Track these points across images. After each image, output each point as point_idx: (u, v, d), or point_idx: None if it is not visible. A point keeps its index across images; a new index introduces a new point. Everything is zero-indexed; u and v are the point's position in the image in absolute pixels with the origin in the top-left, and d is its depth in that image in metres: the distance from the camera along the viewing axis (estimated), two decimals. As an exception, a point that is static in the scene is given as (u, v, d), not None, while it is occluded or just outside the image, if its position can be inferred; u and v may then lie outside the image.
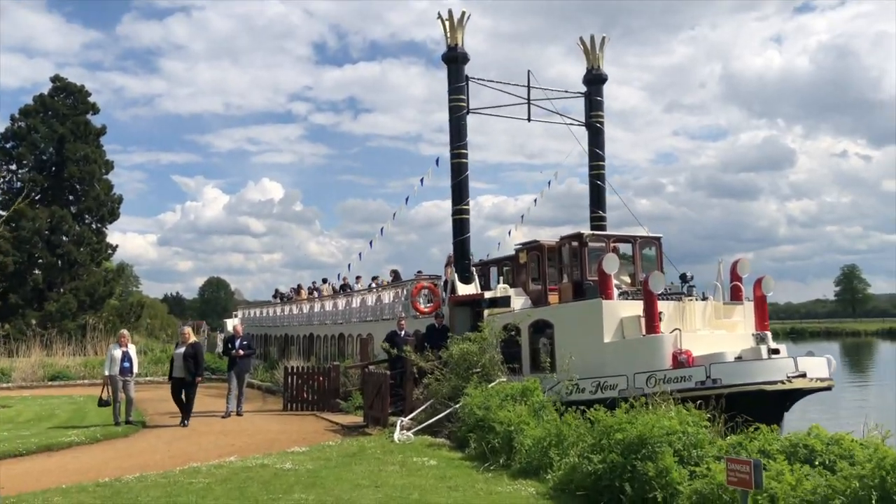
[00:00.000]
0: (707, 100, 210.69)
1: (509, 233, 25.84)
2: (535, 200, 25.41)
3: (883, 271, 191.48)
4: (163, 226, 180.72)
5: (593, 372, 13.97)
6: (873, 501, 5.97)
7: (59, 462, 11.52)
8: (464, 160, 19.47)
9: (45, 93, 44.86)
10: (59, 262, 42.52)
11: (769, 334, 14.56)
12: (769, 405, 12.46)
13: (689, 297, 15.54)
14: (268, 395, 22.54)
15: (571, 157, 25.95)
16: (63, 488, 9.07)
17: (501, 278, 19.48)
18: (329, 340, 26.91)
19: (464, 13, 19.61)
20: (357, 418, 16.11)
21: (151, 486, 9.06)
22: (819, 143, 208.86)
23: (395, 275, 24.73)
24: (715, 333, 15.03)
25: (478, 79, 20.07)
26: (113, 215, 45.82)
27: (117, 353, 15.19)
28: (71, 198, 44.59)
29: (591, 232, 17.62)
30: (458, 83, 19.44)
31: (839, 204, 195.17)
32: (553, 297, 17.34)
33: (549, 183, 25.15)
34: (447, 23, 19.44)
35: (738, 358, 13.59)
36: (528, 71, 20.79)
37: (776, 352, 13.81)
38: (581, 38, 21.79)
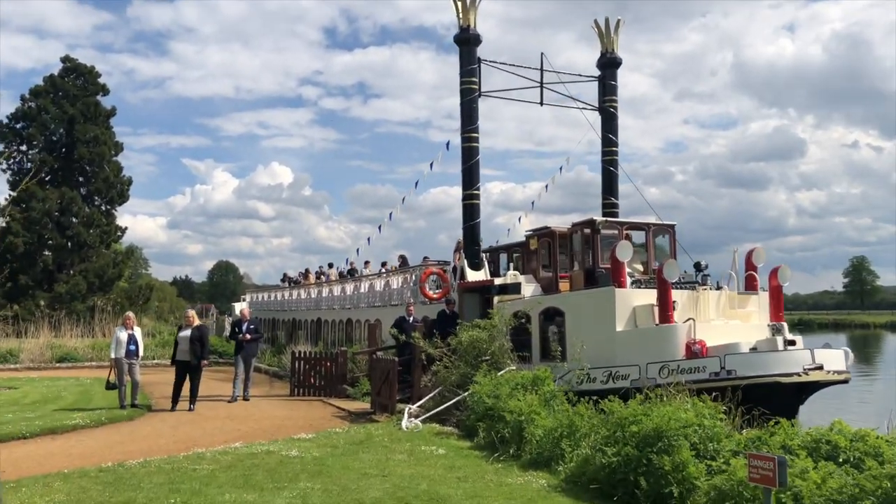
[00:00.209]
0: (718, 88, 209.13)
1: (519, 219, 25.57)
2: (546, 186, 25.16)
3: (892, 263, 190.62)
4: (172, 209, 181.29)
5: (605, 361, 13.72)
6: (905, 502, 5.71)
7: (63, 446, 11.39)
8: (475, 144, 19.17)
9: (56, 73, 44.70)
10: (69, 244, 42.49)
11: (785, 325, 14.27)
12: (785, 398, 12.19)
13: (704, 287, 15.23)
14: (275, 380, 22.42)
15: (581, 144, 25.71)
16: (65, 473, 8.91)
17: (511, 265, 19.22)
18: (337, 325, 26.76)
19: (477, -6, 19.23)
20: (364, 405, 15.94)
21: (155, 472, 8.89)
22: (830, 133, 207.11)
23: (403, 260, 24.52)
24: (729, 324, 14.72)
25: (490, 61, 19.74)
26: (122, 197, 45.71)
27: (123, 335, 15.04)
28: (81, 179, 44.50)
29: (604, 219, 17.29)
30: (469, 65, 19.12)
31: (849, 195, 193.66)
32: (564, 285, 17.07)
33: (560, 169, 24.99)
34: (460, 4, 19.08)
35: (754, 349, 13.29)
36: (542, 53, 20.48)
37: (792, 343, 13.50)
38: (595, 21, 21.43)
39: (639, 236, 17.30)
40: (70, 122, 42.91)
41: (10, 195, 38.68)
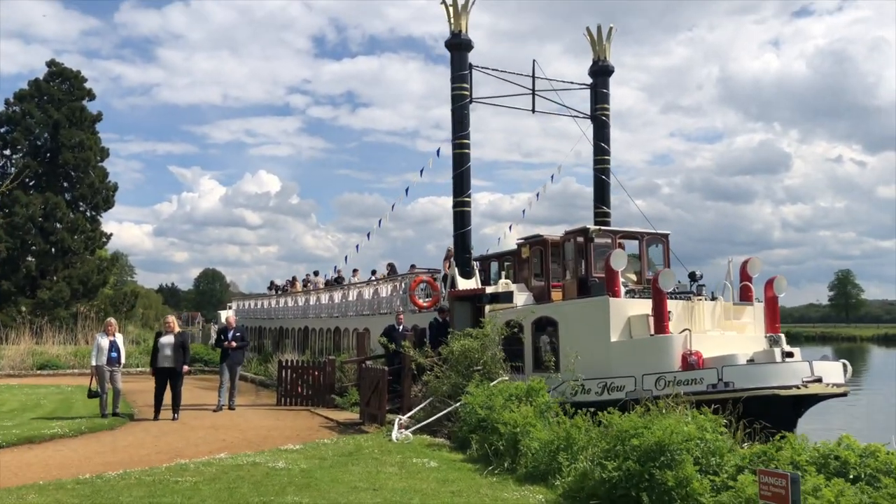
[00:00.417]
0: (704, 102, 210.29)
1: (510, 228, 25.40)
2: (538, 195, 25.03)
3: (875, 277, 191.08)
4: (159, 216, 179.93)
5: (599, 372, 13.47)
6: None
7: (41, 456, 10.96)
8: (466, 151, 18.94)
9: (41, 78, 44.16)
10: (53, 250, 41.91)
11: (783, 337, 14.04)
12: (783, 411, 11.97)
13: (699, 297, 15.02)
14: (261, 389, 22.00)
15: (568, 155, 25.71)
16: (40, 485, 8.52)
17: (503, 273, 18.95)
18: (325, 334, 26.38)
19: (468, -1, 19.03)
20: (353, 415, 15.58)
21: (134, 485, 8.51)
22: (814, 147, 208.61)
23: (392, 268, 24.21)
24: (725, 335, 14.51)
25: (481, 67, 19.51)
26: (108, 203, 45.17)
27: (104, 342, 14.61)
28: (65, 184, 43.97)
29: (598, 227, 17.06)
30: (461, 71, 18.90)
31: (833, 209, 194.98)
32: (556, 294, 16.82)
33: (552, 177, 24.83)
34: (451, 8, 18.87)
35: (751, 361, 13.08)
36: (534, 61, 20.32)
37: (790, 355, 13.28)
38: (588, 29, 21.32)
39: (632, 246, 17.09)
40: (55, 127, 42.39)
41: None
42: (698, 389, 12.13)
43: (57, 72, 44.62)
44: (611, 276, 14.35)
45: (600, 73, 21.24)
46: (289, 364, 18.60)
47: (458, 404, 12.48)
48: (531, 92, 20.33)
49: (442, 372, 14.10)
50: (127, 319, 42.51)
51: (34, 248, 41.36)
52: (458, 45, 19.01)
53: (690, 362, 13.10)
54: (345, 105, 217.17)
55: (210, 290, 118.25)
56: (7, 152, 43.27)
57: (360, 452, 10.93)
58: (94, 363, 14.62)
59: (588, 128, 21.27)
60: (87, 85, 45.32)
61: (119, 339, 15.02)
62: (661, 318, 13.59)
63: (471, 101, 19.21)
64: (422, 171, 22.61)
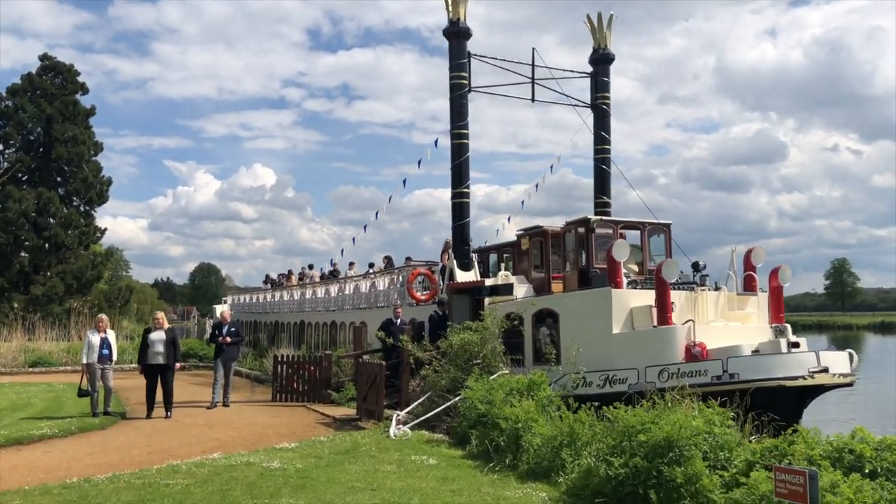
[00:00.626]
0: (700, 92, 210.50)
1: (508, 219, 25.03)
2: (537, 186, 24.67)
3: (871, 266, 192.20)
4: (154, 210, 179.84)
5: (601, 365, 13.19)
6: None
7: (28, 457, 10.63)
8: (465, 141, 18.61)
9: (34, 72, 43.66)
10: (46, 245, 41.46)
11: (789, 327, 13.77)
12: (789, 402, 11.70)
13: (702, 287, 14.75)
14: (256, 385, 21.69)
15: (566, 146, 25.39)
16: (25, 490, 8.21)
17: (503, 265, 18.65)
18: (321, 328, 26.07)
19: (467, -14, 18.67)
20: (350, 411, 15.29)
21: (123, 489, 8.21)
22: (811, 136, 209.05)
23: (389, 261, 23.86)
24: (729, 325, 14.25)
25: (480, 56, 19.15)
26: (101, 198, 44.71)
27: (95, 339, 14.26)
28: (59, 179, 43.49)
29: (599, 217, 16.76)
30: (459, 59, 18.56)
31: (829, 198, 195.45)
32: (556, 286, 16.54)
33: (551, 167, 24.47)
34: (449, -4, 18.49)
35: (756, 351, 12.81)
36: (533, 49, 19.96)
37: (796, 345, 13.02)
38: (588, 16, 20.96)
39: (633, 236, 16.80)
40: (48, 121, 41.91)
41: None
42: (703, 381, 11.86)
43: (50, 66, 44.11)
44: (613, 267, 14.05)
45: (601, 61, 20.89)
46: (284, 359, 18.28)
47: (457, 399, 12.21)
48: (531, 80, 19.99)
49: (441, 366, 13.80)
50: (121, 315, 42.14)
51: (27, 243, 40.92)
52: (457, 34, 18.65)
53: (694, 354, 12.83)
54: (340, 98, 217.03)
55: (205, 285, 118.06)
56: (0, 147, 42.80)
57: (357, 450, 10.65)
58: (84, 361, 14.27)
59: (588, 117, 20.95)
60: (81, 79, 44.77)
61: (111, 335, 14.67)
62: (664, 308, 13.31)
63: (469, 91, 18.87)
64: (419, 163, 22.31)
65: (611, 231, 16.11)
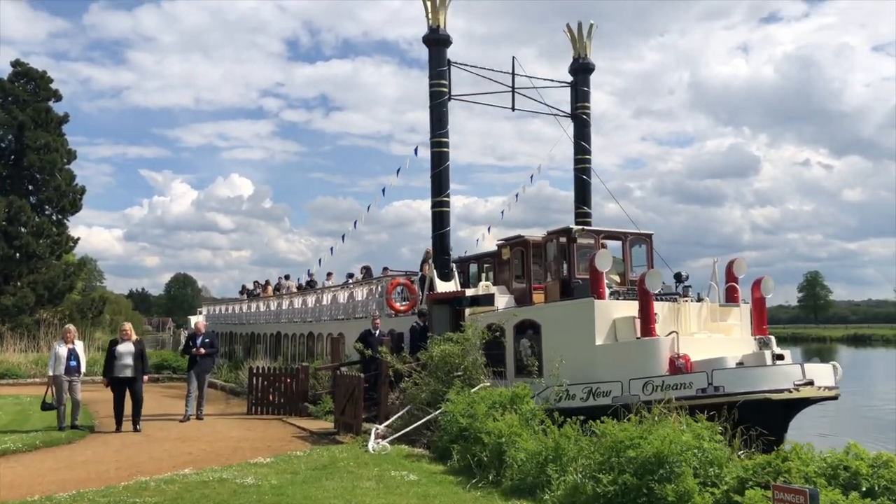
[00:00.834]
0: (675, 106, 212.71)
1: (489, 230, 24.91)
2: (517, 195, 24.55)
3: (842, 279, 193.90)
4: (129, 220, 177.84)
5: (584, 377, 12.95)
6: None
7: (-11, 473, 10.16)
8: (445, 149, 18.39)
9: (5, 78, 42.88)
10: (17, 255, 40.53)
11: (773, 339, 13.63)
12: (774, 415, 11.52)
13: (685, 298, 14.58)
14: (231, 397, 21.19)
15: (544, 158, 25.32)
16: (-18, 509, 7.80)
17: (483, 275, 18.40)
18: (298, 339, 25.63)
19: (447, -8, 18.49)
20: (327, 424, 14.91)
21: (88, 507, 7.81)
22: (783, 151, 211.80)
23: (367, 271, 23.53)
24: (712, 337, 14.07)
25: (460, 63, 18.96)
26: (74, 206, 43.81)
27: (62, 350, 13.77)
28: (30, 188, 42.54)
29: (580, 227, 16.55)
30: (439, 67, 18.36)
31: (801, 212, 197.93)
32: (538, 296, 16.30)
33: (531, 177, 24.35)
34: (429, 3, 18.31)
35: (740, 364, 12.63)
36: (514, 58, 19.82)
37: (780, 357, 12.86)
38: (568, 26, 20.84)
39: (615, 246, 16.63)
40: (20, 129, 41.03)
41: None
42: (688, 394, 11.64)
43: (22, 72, 43.27)
44: (595, 277, 13.84)
45: (581, 70, 20.81)
46: (260, 371, 17.86)
47: (438, 412, 11.90)
48: (510, 89, 19.83)
49: (421, 378, 13.48)
50: (94, 326, 41.27)
51: (-3, 252, 40.00)
52: (437, 41, 18.46)
53: (678, 366, 12.62)
54: (318, 108, 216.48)
55: (181, 296, 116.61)
56: (-30, 154, 41.86)
57: (334, 465, 10.29)
58: (51, 373, 13.79)
59: (568, 126, 20.82)
60: (54, 86, 44.00)
61: (79, 346, 14.19)
62: (647, 320, 13.10)
63: (449, 99, 18.66)
64: (398, 171, 22.09)
65: (593, 241, 15.93)
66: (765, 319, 14.78)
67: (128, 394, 14.13)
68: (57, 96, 44.15)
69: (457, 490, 8.82)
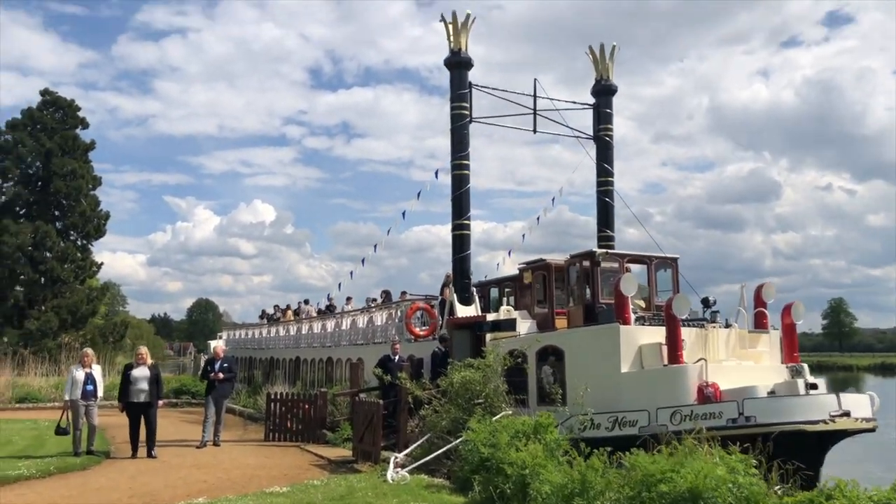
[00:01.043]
0: (694, 131, 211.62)
1: (509, 253, 24.52)
2: (538, 219, 24.14)
3: (866, 306, 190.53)
4: (153, 246, 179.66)
5: (609, 405, 12.52)
6: None
7: (1, 501, 9.96)
8: (465, 172, 18.18)
9: (34, 106, 43.53)
10: (42, 279, 40.93)
11: (806, 367, 13.15)
12: (809, 448, 11.01)
13: (713, 324, 14.15)
14: (249, 423, 20.95)
15: (565, 181, 25.06)
16: (-11, 539, 7.57)
17: (504, 300, 18.08)
18: (316, 364, 25.38)
19: (468, 16, 18.40)
20: (345, 452, 14.60)
21: (96, 538, 7.56)
22: (804, 176, 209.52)
23: (387, 295, 23.28)
24: (742, 364, 13.60)
25: (481, 86, 18.81)
26: (99, 232, 44.28)
27: (79, 374, 13.62)
28: (56, 213, 43.10)
29: (604, 250, 16.20)
30: (461, 90, 18.22)
31: (823, 237, 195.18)
32: (560, 322, 15.94)
33: (552, 200, 24.01)
34: (451, 26, 18.22)
35: (772, 392, 12.16)
36: (535, 80, 19.63)
37: (814, 386, 12.38)
38: (590, 47, 20.66)
39: (639, 271, 16.25)
40: (47, 156, 41.65)
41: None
42: (718, 424, 11.19)
43: (51, 100, 44.00)
44: (621, 302, 13.47)
45: (603, 92, 20.59)
46: (278, 397, 17.62)
47: (458, 441, 11.54)
48: (532, 112, 19.64)
49: (441, 405, 13.15)
50: (115, 350, 41.35)
51: (23, 277, 40.38)
52: (458, 64, 18.35)
53: (707, 394, 12.16)
54: (340, 135, 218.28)
55: (203, 320, 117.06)
56: (-1, 181, 42.46)
57: (352, 495, 9.97)
58: (67, 397, 13.65)
59: (591, 149, 20.57)
60: (81, 114, 44.64)
61: (96, 370, 14.05)
62: (675, 346, 12.69)
63: (471, 121, 18.49)
64: (419, 195, 21.81)
65: (617, 265, 15.57)
66: (796, 346, 14.33)
67: (143, 419, 13.94)
68: (84, 124, 44.82)
69: (478, 523, 8.47)
